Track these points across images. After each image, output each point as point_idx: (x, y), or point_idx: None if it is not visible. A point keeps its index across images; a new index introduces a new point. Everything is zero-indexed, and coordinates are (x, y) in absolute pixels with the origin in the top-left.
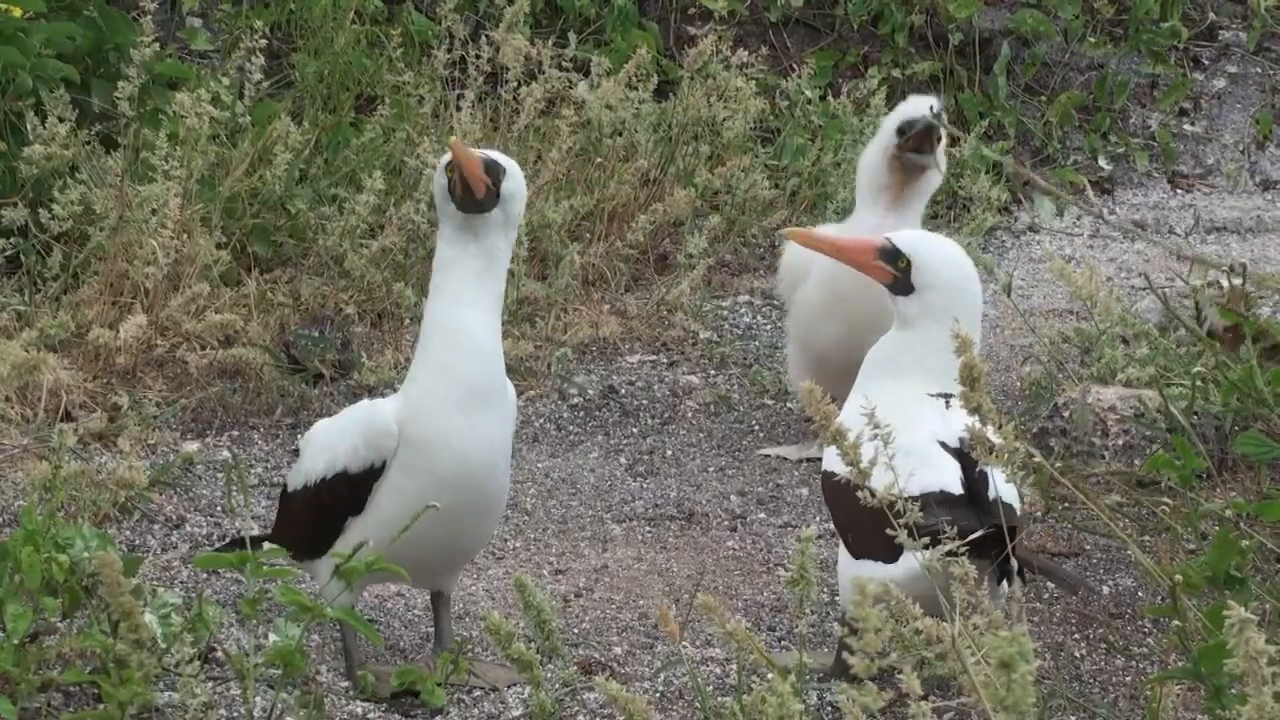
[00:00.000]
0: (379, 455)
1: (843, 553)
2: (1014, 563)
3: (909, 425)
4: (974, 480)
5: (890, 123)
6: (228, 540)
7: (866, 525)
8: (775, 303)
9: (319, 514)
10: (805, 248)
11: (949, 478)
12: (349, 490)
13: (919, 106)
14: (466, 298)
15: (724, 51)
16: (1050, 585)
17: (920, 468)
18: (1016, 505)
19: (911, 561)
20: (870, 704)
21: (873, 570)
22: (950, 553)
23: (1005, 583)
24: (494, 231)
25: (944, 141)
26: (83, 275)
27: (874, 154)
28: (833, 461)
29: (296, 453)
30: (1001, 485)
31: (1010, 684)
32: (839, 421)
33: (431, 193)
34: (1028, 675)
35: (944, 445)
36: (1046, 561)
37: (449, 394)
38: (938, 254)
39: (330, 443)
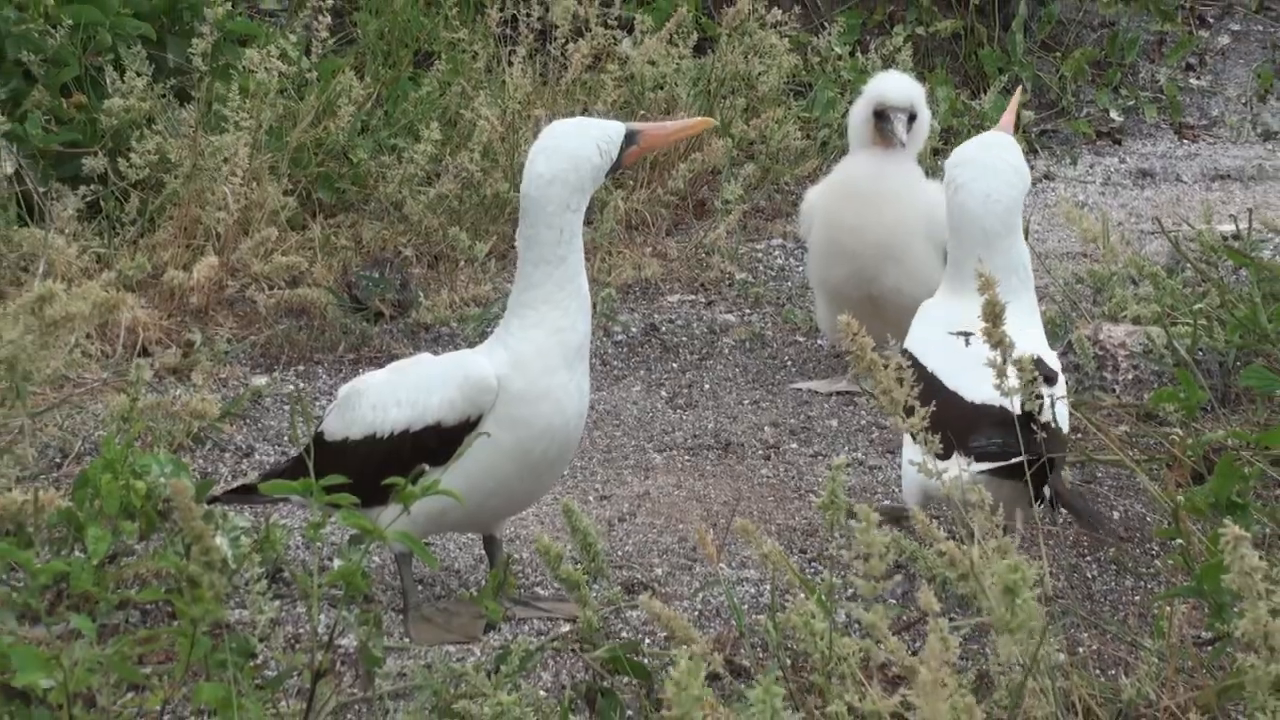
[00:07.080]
0: (476, 409)
1: (906, 438)
2: (1046, 490)
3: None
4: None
5: (871, 91)
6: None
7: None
8: (805, 245)
9: (391, 465)
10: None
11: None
12: (439, 442)
13: (889, 90)
14: (581, 264)
15: (759, 10)
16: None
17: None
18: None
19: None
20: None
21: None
22: (984, 472)
23: (1034, 504)
24: None
25: (918, 119)
26: (158, 220)
27: (858, 117)
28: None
29: None
30: (1059, 412)
31: (1014, 609)
32: (872, 356)
33: (536, 171)
34: (1031, 600)
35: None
36: (1074, 497)
37: (562, 352)
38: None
39: (411, 396)
